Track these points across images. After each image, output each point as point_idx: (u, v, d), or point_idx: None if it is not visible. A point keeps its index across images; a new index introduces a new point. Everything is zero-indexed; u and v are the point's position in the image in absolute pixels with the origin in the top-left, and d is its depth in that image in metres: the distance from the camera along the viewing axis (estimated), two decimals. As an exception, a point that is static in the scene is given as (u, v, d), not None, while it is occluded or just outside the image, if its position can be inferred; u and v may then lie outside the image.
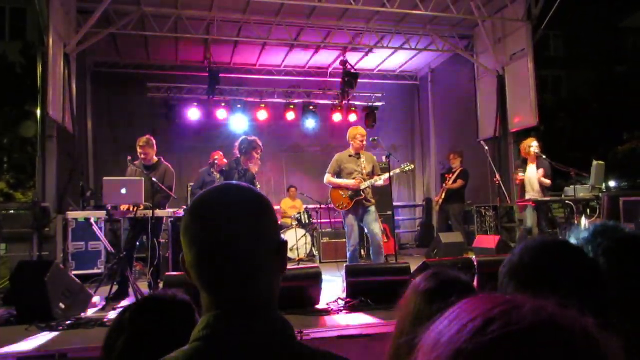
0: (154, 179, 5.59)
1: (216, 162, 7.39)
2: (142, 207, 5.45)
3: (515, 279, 1.07)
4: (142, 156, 5.92)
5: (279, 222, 9.82)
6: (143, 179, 5.46)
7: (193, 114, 10.51)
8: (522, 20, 8.82)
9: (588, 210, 6.33)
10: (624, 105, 16.69)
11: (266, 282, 0.92)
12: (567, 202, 6.56)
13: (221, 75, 9.95)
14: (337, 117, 11.36)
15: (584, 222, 6.09)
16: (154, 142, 6.03)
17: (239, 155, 6.06)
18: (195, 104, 10.56)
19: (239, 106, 10.72)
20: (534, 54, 8.77)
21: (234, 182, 0.99)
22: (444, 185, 9.07)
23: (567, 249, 1.10)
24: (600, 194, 6.32)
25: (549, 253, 1.09)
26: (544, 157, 7.05)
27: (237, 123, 10.65)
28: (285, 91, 11.36)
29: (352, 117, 11.36)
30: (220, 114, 10.64)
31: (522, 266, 1.08)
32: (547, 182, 7.04)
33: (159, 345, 1.16)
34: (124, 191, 5.24)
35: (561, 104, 18.77)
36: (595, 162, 6.51)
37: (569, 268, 1.05)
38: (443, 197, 9.00)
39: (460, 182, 8.87)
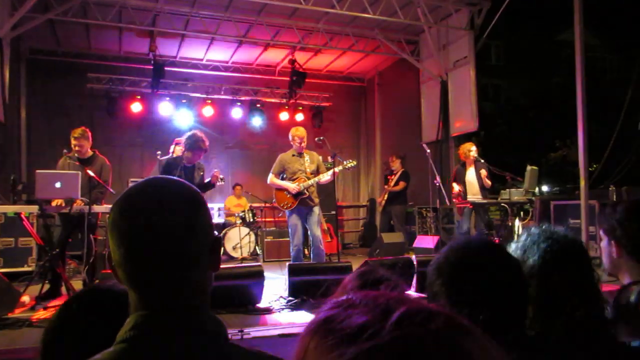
0: (90, 173, 5.37)
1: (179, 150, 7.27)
2: (80, 203, 5.21)
3: (441, 276, 1.10)
4: (77, 148, 5.63)
5: (224, 220, 9.81)
6: (79, 172, 5.23)
7: (135, 107, 10.20)
8: (465, 29, 9.11)
9: (522, 213, 6.61)
10: (557, 114, 17.61)
11: (198, 280, 0.89)
12: (502, 204, 6.84)
13: (166, 68, 9.70)
14: (284, 116, 11.34)
15: (517, 224, 6.36)
16: (90, 134, 5.76)
17: (183, 149, 5.81)
18: (138, 97, 10.25)
19: (184, 101, 10.50)
20: (475, 62, 9.09)
21: (166, 176, 0.95)
22: (386, 187, 9.26)
23: (491, 249, 1.14)
24: (533, 198, 6.61)
25: (472, 252, 1.12)
26: (482, 161, 7.31)
27: (182, 118, 10.42)
28: (232, 88, 11.22)
29: (299, 117, 11.37)
30: (165, 108, 10.38)
31: (448, 264, 1.11)
32: (489, 182, 7.34)
33: (105, 342, 1.06)
34: (58, 185, 5.00)
35: (500, 111, 19.58)
36: (529, 167, 6.80)
37: (490, 267, 1.08)
38: (385, 198, 9.19)
39: (401, 184, 9.07)
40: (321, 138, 6.55)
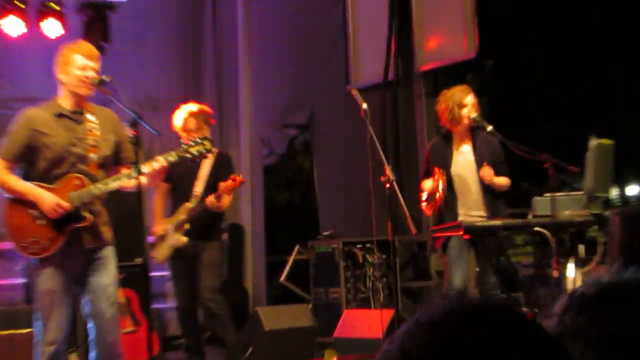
0: None
1: None
2: None
3: None
4: None
5: None
6: None
7: None
8: None
9: (581, 248, 6.96)
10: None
11: None
12: (537, 229, 7.13)
13: None
14: (14, 25, 11.15)
15: (572, 272, 6.71)
16: None
17: None
18: None
19: None
20: None
21: None
22: (188, 205, 9.07)
23: (510, 327, 1.18)
24: (607, 213, 6.93)
25: (467, 336, 1.15)
26: (490, 128, 7.58)
27: None
28: None
29: (52, 26, 11.23)
30: None
31: None
32: (504, 181, 7.67)
33: None
34: None
35: (524, 17, 20.45)
36: (595, 142, 7.14)
37: None
38: (185, 228, 9.02)
39: (225, 192, 9.03)
40: (106, 79, 6.52)
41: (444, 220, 7.73)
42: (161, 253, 9.06)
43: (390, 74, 10.08)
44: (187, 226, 8.98)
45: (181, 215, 9.02)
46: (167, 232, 9.02)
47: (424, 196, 7.77)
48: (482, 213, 7.67)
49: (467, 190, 7.75)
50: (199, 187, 9.06)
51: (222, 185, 8.42)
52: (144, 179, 6.21)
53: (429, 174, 7.88)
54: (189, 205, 9.01)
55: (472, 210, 7.70)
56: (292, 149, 12.26)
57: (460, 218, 7.63)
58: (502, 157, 7.87)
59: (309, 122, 10.13)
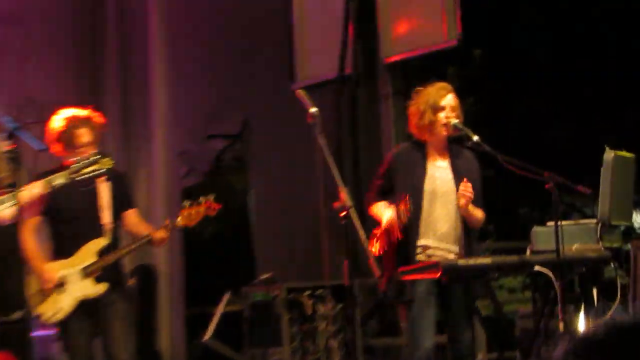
0: None
1: None
2: None
3: None
4: None
5: None
6: None
7: None
8: None
9: (595, 290, 6.81)
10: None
11: None
12: (537, 269, 6.99)
13: None
14: None
15: (582, 323, 6.57)
16: None
17: None
18: None
19: None
20: None
21: None
22: (103, 241, 8.80)
23: None
24: (626, 245, 6.79)
25: None
26: (476, 138, 7.41)
27: None
28: None
29: None
30: None
31: None
32: (479, 215, 7.57)
33: None
34: None
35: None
36: (611, 155, 7.00)
37: None
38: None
39: (191, 221, 8.80)
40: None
41: (403, 254, 7.46)
42: (61, 308, 8.58)
43: (347, 68, 9.96)
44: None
45: (89, 256, 8.66)
46: (66, 280, 8.60)
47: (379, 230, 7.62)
48: (455, 248, 7.52)
49: (440, 216, 7.55)
50: (106, 218, 8.77)
51: (191, 212, 8.42)
52: (16, 209, 6.00)
53: (384, 193, 7.76)
54: (103, 241, 8.70)
55: (442, 243, 7.51)
56: (220, 165, 12.08)
57: (428, 252, 7.46)
58: (479, 185, 7.69)
59: (242, 131, 9.96)
